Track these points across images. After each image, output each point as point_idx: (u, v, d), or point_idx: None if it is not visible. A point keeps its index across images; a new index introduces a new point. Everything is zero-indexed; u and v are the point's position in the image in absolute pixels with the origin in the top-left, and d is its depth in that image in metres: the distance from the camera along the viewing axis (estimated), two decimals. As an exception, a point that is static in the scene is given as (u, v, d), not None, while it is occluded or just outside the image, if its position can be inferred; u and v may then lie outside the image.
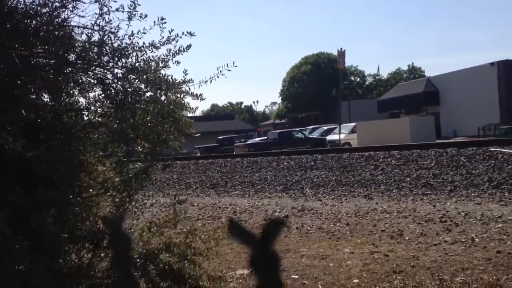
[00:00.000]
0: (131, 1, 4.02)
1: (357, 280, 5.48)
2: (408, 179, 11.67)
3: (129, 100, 3.89)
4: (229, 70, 4.34)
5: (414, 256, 6.18)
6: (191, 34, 4.22)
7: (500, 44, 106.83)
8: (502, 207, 8.42)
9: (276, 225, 0.69)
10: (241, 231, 0.70)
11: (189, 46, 4.30)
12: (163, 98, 4.10)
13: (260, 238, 0.68)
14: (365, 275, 5.62)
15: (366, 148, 18.01)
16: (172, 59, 4.24)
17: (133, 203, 4.16)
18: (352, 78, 70.06)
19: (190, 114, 4.72)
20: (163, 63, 4.19)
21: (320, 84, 59.68)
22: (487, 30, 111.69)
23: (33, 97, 3.87)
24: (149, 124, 4.00)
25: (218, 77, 4.38)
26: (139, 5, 4.05)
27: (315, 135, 33.62)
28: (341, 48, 29.41)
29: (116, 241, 0.82)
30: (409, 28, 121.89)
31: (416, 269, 5.67)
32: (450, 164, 12.12)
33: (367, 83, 71.98)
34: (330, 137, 30.48)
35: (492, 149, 13.25)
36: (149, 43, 4.14)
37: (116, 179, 3.82)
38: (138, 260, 4.06)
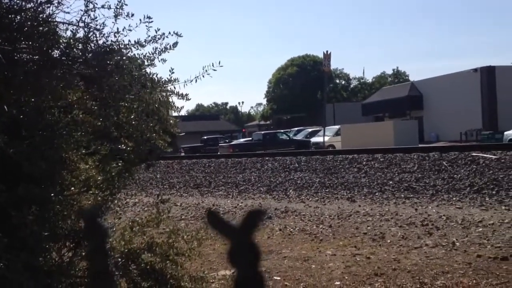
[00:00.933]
0: (118, 1, 4.00)
1: (338, 282, 5.51)
2: (391, 182, 11.75)
3: (113, 97, 3.86)
4: (214, 70, 4.33)
5: (395, 259, 6.22)
6: (177, 34, 4.20)
7: (483, 50, 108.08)
8: (483, 212, 8.52)
9: (256, 215, 0.68)
10: (220, 222, 0.69)
11: (175, 44, 4.28)
12: (148, 96, 4.07)
13: (239, 228, 0.66)
14: (346, 277, 5.64)
15: (350, 151, 18.11)
16: (158, 57, 4.22)
17: (116, 202, 4.13)
18: (337, 81, 70.37)
19: (175, 114, 4.70)
20: (149, 61, 4.17)
21: (306, 86, 59.83)
22: (471, 36, 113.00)
23: (16, 93, 3.83)
24: (133, 122, 3.97)
25: (203, 76, 4.37)
26: (126, 5, 4.02)
27: (299, 137, 33.71)
28: (327, 51, 29.55)
29: (92, 234, 0.81)
30: (394, 32, 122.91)
31: (397, 272, 5.71)
32: (433, 168, 12.23)
33: (351, 86, 72.35)
34: (314, 139, 30.61)
35: (474, 154, 13.40)
36: (134, 41, 4.11)
37: (99, 178, 3.78)
38: (120, 260, 4.03)
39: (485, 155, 12.92)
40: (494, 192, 9.73)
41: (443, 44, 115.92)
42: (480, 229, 7.32)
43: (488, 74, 36.22)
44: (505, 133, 24.74)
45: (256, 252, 0.67)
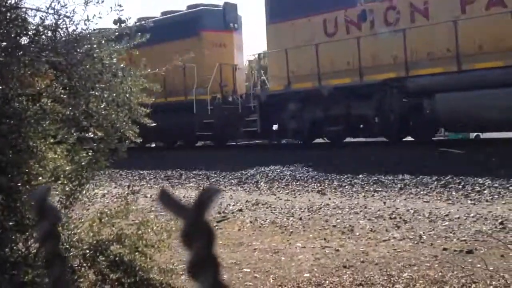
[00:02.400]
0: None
1: (308, 274, 5.56)
2: (361, 175, 11.88)
3: (83, 86, 3.80)
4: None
5: (363, 251, 6.31)
6: (148, 24, 4.16)
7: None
8: (449, 206, 8.69)
9: (210, 194, 0.66)
10: (172, 201, 0.68)
11: (147, 36, 4.25)
12: (118, 86, 4.03)
13: (192, 208, 0.65)
14: (316, 270, 5.70)
15: (322, 144, 18.25)
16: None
17: (84, 193, 4.08)
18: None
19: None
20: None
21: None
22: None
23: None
24: (103, 112, 3.92)
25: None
26: (96, -9, 3.97)
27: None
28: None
29: (42, 216, 0.79)
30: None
31: (365, 264, 5.79)
32: (401, 162, 12.42)
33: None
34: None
35: (441, 149, 13.67)
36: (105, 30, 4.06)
37: (67, 167, 3.73)
38: (88, 252, 3.99)
39: (452, 150, 13.19)
40: (460, 186, 9.94)
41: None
42: (447, 223, 7.46)
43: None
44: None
45: (210, 233, 0.65)
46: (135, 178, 15.58)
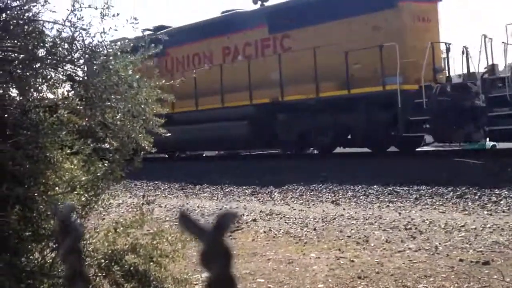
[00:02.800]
0: (105, 2, 3.99)
1: (322, 285, 5.53)
2: (375, 186, 11.81)
3: (99, 97, 3.85)
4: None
5: (378, 262, 6.26)
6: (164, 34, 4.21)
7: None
8: (465, 216, 8.61)
9: (228, 217, 0.68)
10: (192, 223, 0.69)
11: (162, 49, 4.30)
12: (134, 97, 4.07)
13: (211, 230, 0.67)
14: (330, 280, 5.67)
15: (336, 154, 18.20)
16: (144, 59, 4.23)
17: (100, 203, 4.11)
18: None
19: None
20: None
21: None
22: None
23: (0, 92, 3.80)
24: (118, 122, 3.96)
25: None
26: (112, 6, 4.02)
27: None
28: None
29: (65, 232, 0.80)
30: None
31: (381, 275, 5.75)
32: (416, 173, 12.34)
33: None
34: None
35: (457, 159, 13.55)
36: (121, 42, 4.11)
37: (83, 178, 3.77)
38: (103, 261, 4.01)
39: (467, 160, 13.07)
40: (477, 197, 9.84)
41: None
42: (463, 234, 7.39)
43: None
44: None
45: (227, 254, 0.67)
46: (149, 187, 15.66)
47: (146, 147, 4.20)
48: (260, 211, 10.46)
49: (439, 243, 6.95)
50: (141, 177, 16.42)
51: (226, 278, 0.65)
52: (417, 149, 16.88)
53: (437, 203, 9.89)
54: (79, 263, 0.81)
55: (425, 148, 17.80)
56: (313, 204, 11.06)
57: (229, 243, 0.67)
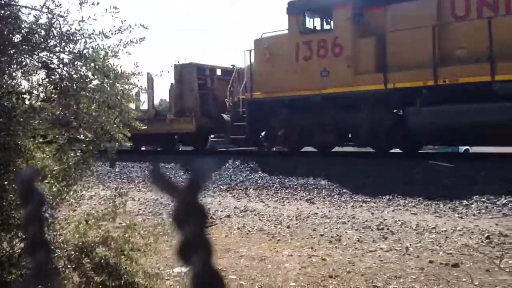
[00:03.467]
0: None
1: (293, 283, 5.54)
2: (350, 185, 11.90)
3: (74, 87, 3.78)
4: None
5: (350, 261, 6.30)
6: (144, 27, 4.15)
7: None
8: (437, 218, 8.72)
9: (201, 172, 0.65)
10: (164, 180, 0.66)
11: (142, 39, 4.23)
12: (110, 88, 4.01)
13: (184, 188, 0.64)
14: (301, 278, 5.68)
15: (310, 152, 18.26)
16: (122, 49, 4.16)
17: (71, 194, 4.05)
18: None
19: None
20: (113, 52, 4.11)
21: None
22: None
23: (-28, 76, 3.71)
24: (93, 113, 3.90)
25: (168, 71, 4.33)
26: (92, -8, 3.95)
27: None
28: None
29: (27, 199, 0.76)
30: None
31: (352, 274, 5.78)
32: (390, 173, 12.46)
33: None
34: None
35: (430, 161, 13.71)
36: (99, 31, 4.04)
37: (55, 168, 3.70)
38: (73, 253, 3.95)
39: (441, 163, 13.24)
40: (448, 199, 9.98)
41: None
42: (433, 235, 7.48)
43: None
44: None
45: (202, 214, 0.64)
46: (123, 180, 15.51)
47: (121, 140, 4.14)
48: (235, 207, 10.45)
49: (410, 244, 7.03)
50: (115, 169, 16.26)
51: (200, 239, 0.62)
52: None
53: (410, 204, 10.00)
54: (41, 234, 0.77)
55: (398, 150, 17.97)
56: (288, 202, 11.08)
57: (203, 203, 0.64)
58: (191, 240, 0.62)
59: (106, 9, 3.98)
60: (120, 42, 4.13)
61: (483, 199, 9.69)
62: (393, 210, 9.63)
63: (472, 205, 9.45)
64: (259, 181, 13.53)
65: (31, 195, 0.75)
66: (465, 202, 9.70)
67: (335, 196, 11.23)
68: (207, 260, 0.62)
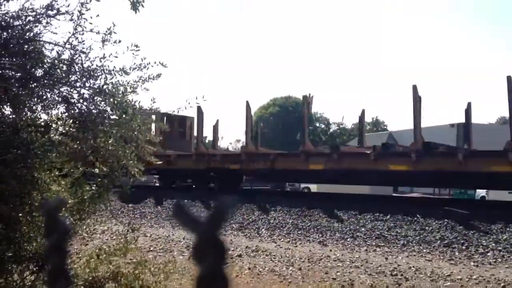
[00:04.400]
0: (107, 28, 4.01)
1: (304, 327, 5.43)
2: (363, 229, 11.75)
3: (93, 121, 3.83)
4: (197, 103, 4.35)
5: (362, 307, 6.18)
6: (162, 64, 4.22)
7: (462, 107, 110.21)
8: (452, 266, 8.55)
9: (224, 209, 0.64)
10: (185, 213, 0.66)
11: (159, 75, 4.30)
12: (128, 123, 4.05)
13: (205, 222, 0.63)
14: (312, 323, 5.57)
15: (325, 194, 18.17)
16: (141, 86, 4.23)
17: (84, 228, 4.05)
18: (317, 124, 71.05)
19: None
20: (132, 88, 4.17)
21: (287, 126, 60.26)
22: (446, 89, 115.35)
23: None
24: (110, 147, 3.94)
25: (186, 108, 4.38)
26: (115, 32, 4.05)
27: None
28: (309, 94, 29.88)
29: (52, 229, 0.76)
30: (375, 82, 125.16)
31: (364, 320, 5.66)
32: (405, 219, 12.29)
33: (331, 130, 73.02)
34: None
35: (446, 208, 13.54)
36: (119, 68, 4.12)
37: (70, 201, 3.72)
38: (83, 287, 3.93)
39: (456, 210, 13.06)
40: (464, 247, 9.80)
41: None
42: (448, 283, 7.33)
43: (464, 129, 36.89)
44: (478, 190, 25.10)
45: (222, 248, 0.63)
46: (136, 216, 15.49)
47: (136, 174, 4.16)
48: (246, 247, 10.35)
49: (425, 292, 6.88)
50: (128, 204, 16.28)
51: (219, 274, 0.61)
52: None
53: (424, 250, 9.83)
54: (63, 262, 0.77)
55: (413, 195, 17.83)
56: (300, 243, 10.96)
57: (224, 238, 0.64)
58: (209, 276, 0.62)
59: (128, 47, 4.07)
60: (139, 78, 4.20)
61: (499, 248, 9.51)
62: (407, 256, 9.46)
63: (488, 254, 9.27)
64: (272, 221, 13.43)
65: (56, 225, 0.76)
66: (481, 250, 9.52)
67: (348, 239, 11.08)
68: None
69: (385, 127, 71.41)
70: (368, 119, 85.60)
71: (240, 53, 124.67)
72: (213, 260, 0.62)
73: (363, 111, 19.85)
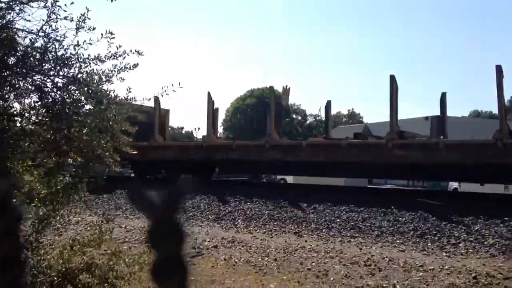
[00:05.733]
0: (81, 14, 3.95)
1: (279, 317, 5.47)
2: (338, 220, 11.86)
3: (67, 111, 3.78)
4: (174, 91, 4.32)
5: (337, 297, 6.25)
6: (139, 52, 4.17)
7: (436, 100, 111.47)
8: (424, 256, 8.69)
9: (179, 193, 0.62)
10: (140, 196, 0.64)
11: (136, 65, 4.25)
12: (102, 113, 4.00)
13: (161, 205, 0.61)
14: (287, 313, 5.61)
15: (300, 185, 18.27)
16: (116, 75, 4.18)
17: (58, 218, 4.00)
18: (294, 116, 71.26)
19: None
20: (107, 77, 4.12)
21: (263, 118, 60.28)
22: (427, 84, 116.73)
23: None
24: (84, 137, 3.89)
25: (162, 96, 4.35)
26: (89, 18, 3.98)
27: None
28: (287, 85, 29.94)
29: (2, 213, 0.73)
30: (355, 77, 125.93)
31: (338, 310, 5.72)
32: (380, 210, 12.44)
33: (307, 122, 73.34)
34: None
35: (419, 199, 13.77)
36: (94, 56, 4.06)
37: (43, 191, 3.67)
38: (56, 279, 3.88)
39: (429, 201, 13.29)
40: (436, 238, 9.97)
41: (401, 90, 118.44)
42: (421, 274, 7.45)
43: (438, 122, 37.40)
44: (450, 182, 25.54)
45: (179, 232, 0.61)
46: (111, 207, 15.34)
47: (111, 165, 4.12)
48: (222, 238, 10.36)
49: (397, 282, 6.99)
50: (103, 195, 16.14)
51: (177, 260, 0.59)
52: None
53: (398, 241, 9.97)
54: (16, 248, 0.73)
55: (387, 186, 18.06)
56: (276, 234, 11.01)
57: (182, 220, 0.61)
58: (166, 262, 0.59)
59: (102, 34, 4.01)
60: (114, 67, 4.15)
61: (470, 239, 9.69)
62: (381, 247, 9.59)
63: (460, 244, 9.45)
64: (248, 212, 13.46)
65: (7, 209, 0.72)
66: (453, 241, 9.69)
67: (323, 230, 11.18)
68: (184, 283, 0.59)
69: (360, 119, 72.02)
70: (344, 111, 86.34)
71: (219, 44, 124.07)
72: (170, 245, 0.59)
73: (328, 102, 19.90)
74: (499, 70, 13.20)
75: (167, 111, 23.79)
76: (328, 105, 19.92)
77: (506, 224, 10.52)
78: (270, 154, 16.64)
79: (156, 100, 18.57)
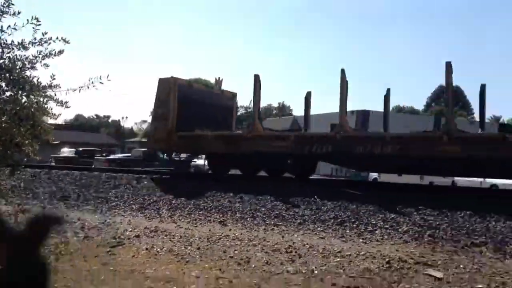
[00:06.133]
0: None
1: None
2: (263, 209, 12.13)
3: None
4: (101, 83, 4.31)
5: (256, 283, 6.45)
6: (65, 40, 4.13)
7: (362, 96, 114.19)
8: (343, 243, 9.09)
9: (47, 222, 0.62)
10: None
11: (61, 51, 4.20)
12: (24, 99, 3.95)
13: (22, 235, 0.61)
14: (208, 299, 5.74)
15: (229, 175, 18.44)
16: (40, 62, 4.12)
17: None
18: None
19: (51, 121, 4.57)
20: (30, 64, 4.06)
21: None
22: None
23: None
24: (3, 125, 3.82)
25: (88, 87, 4.32)
26: (12, 4, 3.91)
27: (182, 157, 33.56)
28: (219, 77, 29.89)
29: None
30: (284, 70, 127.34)
31: (257, 296, 5.91)
32: (304, 199, 12.85)
33: (238, 114, 73.47)
34: (196, 161, 30.89)
35: (342, 189, 14.34)
36: (18, 42, 3.99)
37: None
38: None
39: (352, 191, 13.88)
40: (354, 225, 10.44)
41: (329, 84, 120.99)
42: (338, 259, 7.80)
43: (363, 116, 38.76)
44: (370, 173, 26.66)
45: (42, 268, 0.58)
46: (28, 196, 14.84)
47: (30, 153, 4.07)
48: (145, 227, 10.34)
49: (316, 267, 7.29)
50: (20, 183, 15.59)
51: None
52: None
53: (319, 229, 10.35)
54: None
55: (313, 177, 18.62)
56: (201, 223, 11.12)
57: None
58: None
59: (28, 20, 3.94)
60: (39, 53, 4.08)
61: (386, 226, 10.23)
62: (302, 234, 9.92)
63: (376, 231, 9.95)
64: (173, 202, 13.47)
65: None
66: (370, 228, 10.19)
67: (248, 219, 11.40)
68: None
69: (290, 111, 73.09)
70: (275, 104, 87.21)
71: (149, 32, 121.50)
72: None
73: (308, 93, 19.49)
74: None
75: (234, 95, 22.12)
76: (308, 96, 19.31)
77: (419, 212, 11.19)
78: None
79: (256, 78, 17.15)
